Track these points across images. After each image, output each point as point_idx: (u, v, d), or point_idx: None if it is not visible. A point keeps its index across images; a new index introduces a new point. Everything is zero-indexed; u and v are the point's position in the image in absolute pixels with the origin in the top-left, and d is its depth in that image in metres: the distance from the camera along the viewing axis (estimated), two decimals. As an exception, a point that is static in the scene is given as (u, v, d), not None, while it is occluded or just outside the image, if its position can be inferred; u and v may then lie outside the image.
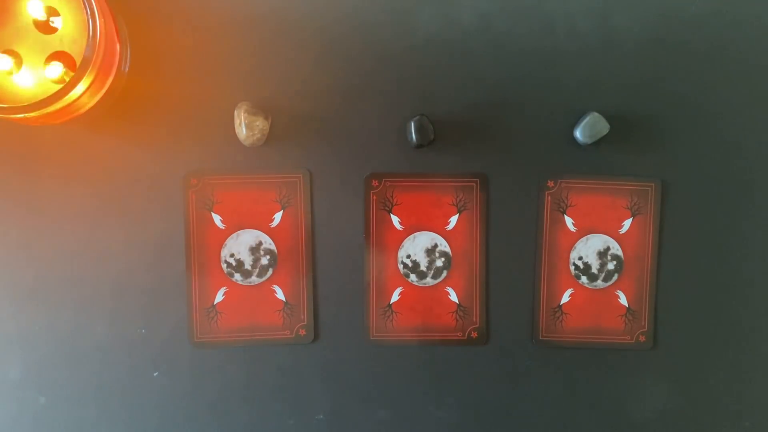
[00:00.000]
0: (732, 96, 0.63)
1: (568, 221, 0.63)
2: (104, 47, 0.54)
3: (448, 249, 0.63)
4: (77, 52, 0.56)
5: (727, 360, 0.64)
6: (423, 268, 0.63)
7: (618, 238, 0.63)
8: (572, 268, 0.63)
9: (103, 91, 0.59)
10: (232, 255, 0.63)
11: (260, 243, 0.63)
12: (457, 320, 0.63)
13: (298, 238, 0.63)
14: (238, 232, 0.63)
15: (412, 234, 0.63)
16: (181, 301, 0.63)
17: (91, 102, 0.59)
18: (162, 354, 0.63)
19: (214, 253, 0.63)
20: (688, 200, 0.63)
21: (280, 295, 0.63)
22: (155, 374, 0.63)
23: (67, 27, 0.56)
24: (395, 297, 0.63)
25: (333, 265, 0.63)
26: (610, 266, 0.63)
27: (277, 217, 0.63)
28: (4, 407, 0.62)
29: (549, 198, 0.63)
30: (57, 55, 0.56)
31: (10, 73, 0.55)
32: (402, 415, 0.64)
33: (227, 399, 0.63)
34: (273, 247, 0.63)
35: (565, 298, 0.64)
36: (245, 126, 0.59)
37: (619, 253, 0.63)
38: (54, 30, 0.56)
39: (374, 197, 0.63)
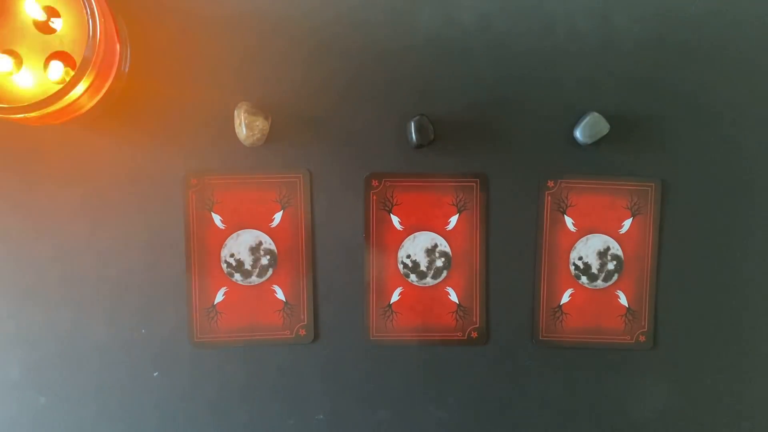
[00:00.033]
0: (732, 96, 0.63)
1: (568, 221, 0.63)
2: (104, 47, 0.54)
3: (448, 249, 0.63)
4: (77, 52, 0.56)
5: (727, 360, 0.64)
6: (423, 268, 0.63)
7: (618, 238, 0.63)
8: (572, 268, 0.63)
9: (103, 91, 0.59)
10: (232, 255, 0.63)
11: (260, 243, 0.63)
12: (457, 320, 0.63)
13: (298, 238, 0.63)
14: (238, 232, 0.63)
15: (412, 234, 0.63)
16: (181, 301, 0.63)
17: (91, 102, 0.59)
18: (162, 354, 0.63)
19: (214, 253, 0.63)
20: (688, 200, 0.63)
21: (280, 295, 0.63)
22: (155, 374, 0.63)
23: (67, 27, 0.56)
24: (395, 297, 0.63)
25: (333, 265, 0.63)
26: (610, 266, 0.63)
27: (277, 217, 0.63)
28: (4, 407, 0.62)
29: (549, 198, 0.63)
30: (57, 55, 0.56)
31: (10, 73, 0.55)
32: (402, 415, 0.64)
33: (227, 399, 0.63)
34: (273, 247, 0.63)
35: (565, 298, 0.64)
36: (245, 126, 0.59)
37: (619, 253, 0.63)
38: (54, 30, 0.56)
39: (374, 197, 0.63)
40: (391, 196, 0.63)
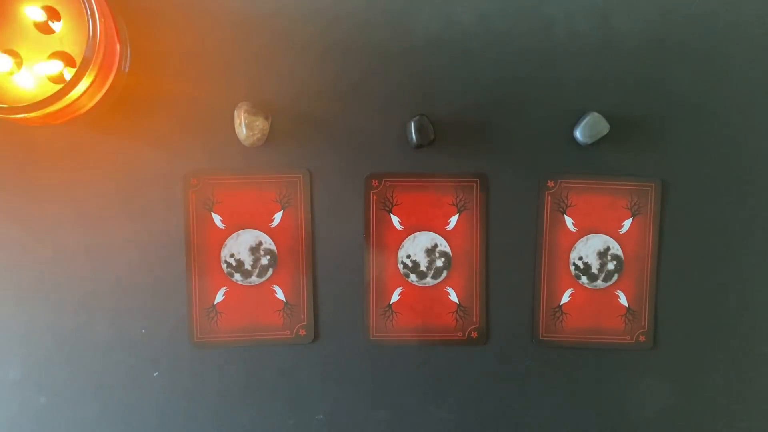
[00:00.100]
0: (732, 96, 0.63)
1: (568, 221, 0.63)
2: (104, 47, 0.54)
3: (448, 249, 0.63)
4: (77, 53, 0.56)
5: (727, 360, 0.64)
6: (423, 268, 0.63)
7: (618, 238, 0.63)
8: (572, 268, 0.63)
9: (104, 91, 0.59)
10: (232, 255, 0.63)
11: (260, 243, 0.63)
12: (457, 320, 0.63)
13: (298, 238, 0.63)
14: (238, 232, 0.63)
15: (412, 234, 0.63)
16: (181, 301, 0.63)
17: (91, 102, 0.59)
18: (162, 354, 0.63)
19: (214, 253, 0.63)
20: (688, 200, 0.63)
21: (280, 295, 0.63)
22: (155, 374, 0.63)
23: (67, 27, 0.56)
24: (395, 297, 0.63)
25: (333, 265, 0.63)
26: (610, 266, 0.63)
27: (277, 217, 0.63)
28: (4, 407, 0.62)
29: (549, 198, 0.63)
30: (57, 56, 0.56)
31: (11, 73, 0.55)
32: (402, 415, 0.64)
33: (227, 399, 0.63)
34: (273, 247, 0.63)
35: (565, 298, 0.64)
36: (245, 126, 0.59)
37: (619, 253, 0.63)
38: (54, 30, 0.56)
39: (374, 197, 0.63)
40: (391, 196, 0.63)
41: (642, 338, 0.64)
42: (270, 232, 0.63)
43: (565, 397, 0.64)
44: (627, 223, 0.63)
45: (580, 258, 0.63)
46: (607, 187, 0.63)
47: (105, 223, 0.62)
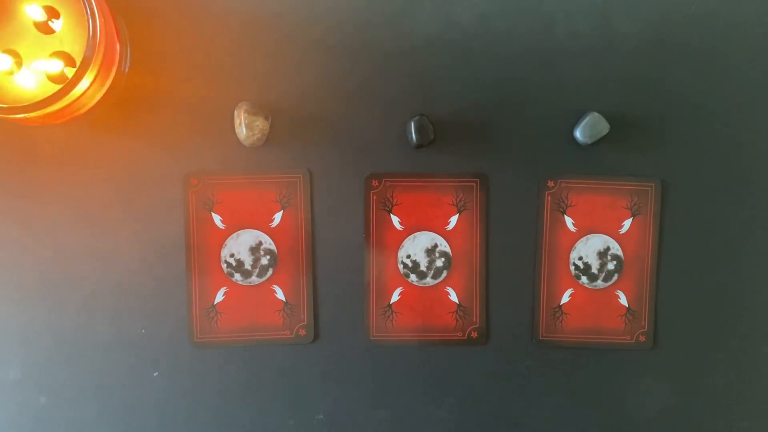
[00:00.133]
0: (732, 96, 0.63)
1: (568, 221, 0.63)
2: (104, 47, 0.54)
3: (448, 249, 0.63)
4: (77, 52, 0.56)
5: (727, 360, 0.64)
6: (423, 268, 0.63)
7: (618, 238, 0.63)
8: (572, 268, 0.63)
9: (104, 91, 0.59)
10: (232, 255, 0.63)
11: (260, 243, 0.63)
12: (457, 320, 0.63)
13: (298, 238, 0.63)
14: (238, 232, 0.63)
15: (412, 234, 0.63)
16: (181, 301, 0.63)
17: (91, 102, 0.59)
18: (162, 354, 0.63)
19: (214, 253, 0.63)
20: (688, 200, 0.63)
21: (280, 295, 0.63)
22: (155, 374, 0.63)
23: (67, 27, 0.56)
24: (395, 297, 0.63)
25: (333, 265, 0.63)
26: (610, 266, 0.63)
27: (277, 217, 0.63)
28: (4, 407, 0.62)
29: (549, 198, 0.63)
30: (57, 55, 0.56)
31: (11, 73, 0.55)
32: (402, 415, 0.64)
33: (227, 399, 0.63)
34: (273, 247, 0.63)
35: (565, 298, 0.64)
36: (245, 126, 0.59)
37: (619, 253, 0.63)
38: (54, 30, 0.56)
39: (374, 197, 0.63)
40: (391, 196, 0.63)
41: (642, 338, 0.64)
42: (270, 232, 0.63)
43: (565, 397, 0.64)
44: (627, 223, 0.63)
45: (580, 258, 0.63)
46: (607, 187, 0.63)
47: (105, 223, 0.62)
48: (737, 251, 0.64)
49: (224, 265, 0.63)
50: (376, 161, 0.63)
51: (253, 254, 0.63)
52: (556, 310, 0.64)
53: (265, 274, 0.63)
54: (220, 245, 0.63)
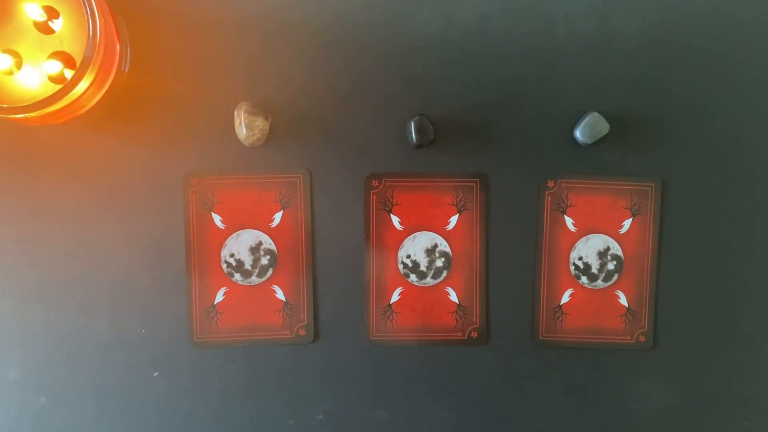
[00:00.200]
0: (732, 96, 0.63)
1: (568, 221, 0.63)
2: (104, 47, 0.54)
3: (448, 249, 0.63)
4: (77, 52, 0.56)
5: (727, 360, 0.64)
6: (423, 268, 0.63)
7: (618, 238, 0.63)
8: (572, 268, 0.63)
9: (103, 90, 0.59)
10: (232, 255, 0.63)
11: (260, 243, 0.63)
12: (457, 320, 0.63)
13: (298, 238, 0.63)
14: (238, 232, 0.63)
15: (412, 234, 0.63)
16: (181, 301, 0.63)
17: (91, 102, 0.59)
18: (162, 354, 0.63)
19: (214, 253, 0.63)
20: (688, 200, 0.63)
21: (280, 295, 0.63)
22: (155, 374, 0.63)
23: (67, 27, 0.56)
24: (395, 297, 0.63)
25: (333, 265, 0.63)
26: (610, 266, 0.63)
27: (277, 217, 0.63)
28: (4, 407, 0.62)
29: (549, 198, 0.63)
30: (57, 55, 0.56)
31: (11, 72, 0.55)
32: (402, 415, 0.64)
33: (227, 399, 0.63)
34: (273, 247, 0.63)
35: (565, 298, 0.64)
36: (245, 126, 0.59)
37: (619, 253, 0.63)
38: (54, 30, 0.56)
39: (374, 197, 0.63)
40: (391, 196, 0.63)
41: (642, 338, 0.64)
42: (270, 232, 0.63)
43: (565, 397, 0.64)
44: (627, 223, 0.63)
45: (580, 258, 0.63)
46: (607, 187, 0.63)
47: (105, 223, 0.62)
48: (737, 251, 0.64)
49: (224, 265, 0.63)
50: (376, 161, 0.63)
51: (253, 254, 0.63)
52: (556, 310, 0.64)
53: (265, 274, 0.63)
54: (220, 245, 0.63)
